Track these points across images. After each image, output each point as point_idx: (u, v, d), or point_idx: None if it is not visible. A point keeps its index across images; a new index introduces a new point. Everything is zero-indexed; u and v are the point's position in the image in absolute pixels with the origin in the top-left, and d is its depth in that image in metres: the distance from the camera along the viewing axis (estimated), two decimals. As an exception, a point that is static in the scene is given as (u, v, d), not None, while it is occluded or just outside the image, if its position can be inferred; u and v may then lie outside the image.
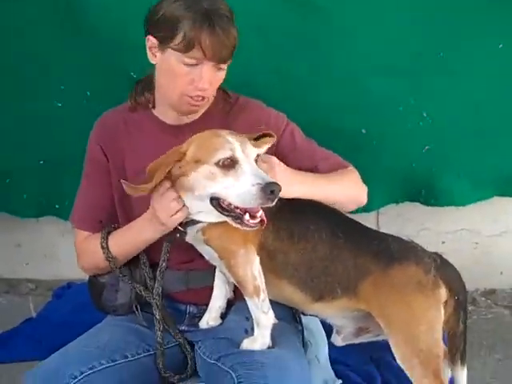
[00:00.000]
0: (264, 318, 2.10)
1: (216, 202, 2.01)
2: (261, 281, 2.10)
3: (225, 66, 2.22)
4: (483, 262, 3.58)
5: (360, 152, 2.94)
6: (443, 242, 3.58)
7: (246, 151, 2.01)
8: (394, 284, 2.09)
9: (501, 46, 3.01)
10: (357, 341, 2.30)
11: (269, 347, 2.09)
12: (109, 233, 2.31)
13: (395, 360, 2.09)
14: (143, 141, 2.36)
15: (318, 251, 2.13)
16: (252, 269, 2.09)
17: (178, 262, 2.31)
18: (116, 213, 2.38)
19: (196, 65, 2.16)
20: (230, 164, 1.97)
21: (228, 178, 1.97)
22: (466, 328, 2.16)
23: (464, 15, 2.96)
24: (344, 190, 2.33)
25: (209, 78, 2.19)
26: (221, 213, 2.01)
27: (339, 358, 2.59)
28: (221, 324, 2.31)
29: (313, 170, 2.33)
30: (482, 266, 3.57)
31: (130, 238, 2.28)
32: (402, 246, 2.16)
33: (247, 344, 2.11)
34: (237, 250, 2.09)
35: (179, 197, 2.07)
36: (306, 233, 2.12)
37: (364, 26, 2.97)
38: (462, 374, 2.16)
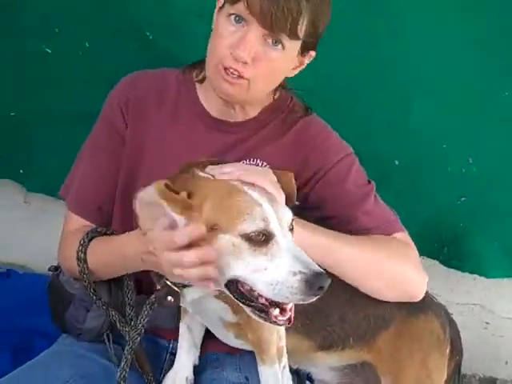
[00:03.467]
0: None
1: (234, 286, 1.51)
2: (285, 342, 1.76)
3: (283, 46, 1.77)
4: (490, 346, 3.22)
5: (385, 185, 2.37)
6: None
7: (279, 215, 1.51)
8: (415, 336, 1.95)
9: None
10: None
11: None
12: (91, 240, 1.83)
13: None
14: (175, 129, 1.95)
15: (340, 299, 1.86)
16: (277, 328, 1.74)
17: None
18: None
19: (242, 26, 1.74)
20: (263, 240, 1.47)
21: (260, 258, 1.46)
22: None
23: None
24: (377, 265, 1.85)
25: (251, 45, 1.73)
26: (239, 300, 1.52)
27: None
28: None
29: (348, 221, 1.89)
30: (488, 349, 3.22)
31: (110, 258, 1.80)
32: None
33: None
34: None
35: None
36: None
37: (426, 45, 2.53)
38: None
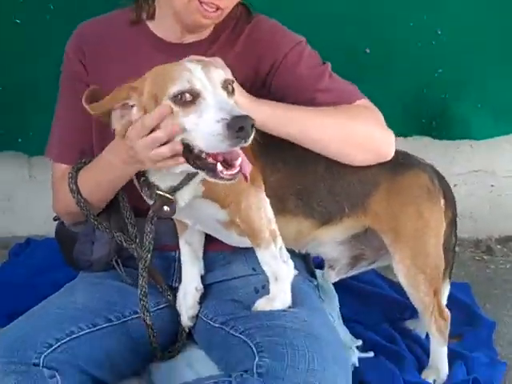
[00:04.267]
0: (284, 269, 1.82)
1: (189, 153, 1.60)
2: (275, 224, 1.81)
3: None
4: (500, 206, 3.28)
5: (362, 75, 2.50)
6: (455, 185, 3.19)
7: (210, 76, 1.60)
8: (405, 191, 2.03)
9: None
10: (351, 273, 2.20)
11: (289, 307, 1.82)
12: (78, 170, 1.92)
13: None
14: (134, 61, 1.97)
15: (318, 172, 1.94)
16: (266, 210, 1.81)
17: None
18: None
19: None
20: (190, 99, 1.57)
21: (190, 117, 1.57)
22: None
23: None
24: (340, 128, 1.92)
25: None
26: (194, 167, 1.62)
27: (350, 315, 2.42)
28: (222, 281, 2.03)
29: (308, 102, 1.93)
30: (497, 210, 3.27)
31: (99, 176, 1.89)
32: (403, 154, 2.06)
33: (264, 304, 1.84)
34: (247, 189, 1.77)
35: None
36: (304, 156, 1.87)
37: None
38: (447, 288, 2.26)
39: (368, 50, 2.70)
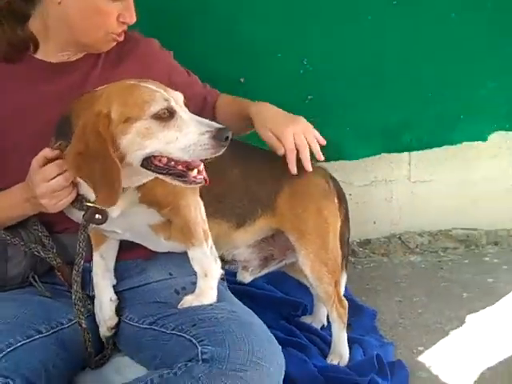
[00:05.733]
0: (214, 267, 1.94)
1: (148, 161, 1.77)
2: (207, 225, 1.95)
3: None
4: (357, 213, 3.45)
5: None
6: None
7: (173, 96, 1.81)
8: (305, 192, 2.21)
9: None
10: (263, 272, 2.36)
11: None
12: None
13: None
14: (18, 87, 2.06)
15: (235, 175, 2.11)
16: (201, 211, 1.94)
17: None
18: None
19: None
20: (168, 116, 1.75)
21: (169, 132, 1.74)
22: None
23: None
24: None
25: (133, 9, 2.02)
26: (157, 173, 1.78)
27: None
28: (141, 286, 2.09)
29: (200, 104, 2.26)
30: (356, 216, 3.43)
31: (3, 211, 1.98)
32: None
33: (191, 300, 1.93)
34: (184, 190, 1.91)
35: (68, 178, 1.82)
36: (222, 160, 1.92)
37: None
38: (344, 278, 2.48)
39: (242, 80, 2.90)
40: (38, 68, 2.08)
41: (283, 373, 1.85)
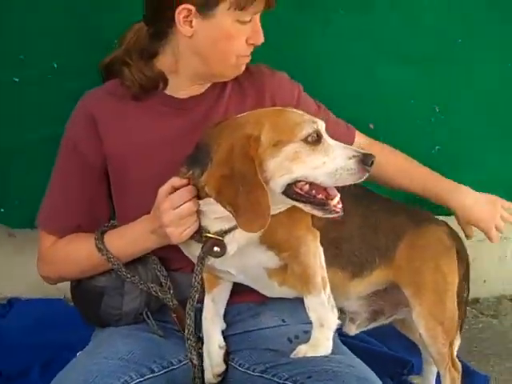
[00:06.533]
0: (331, 317, 1.87)
1: (291, 190, 1.75)
2: (326, 272, 1.89)
3: None
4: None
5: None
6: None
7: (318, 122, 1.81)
8: (426, 245, 2.14)
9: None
10: (370, 326, 2.28)
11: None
12: (103, 233, 2.00)
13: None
14: (148, 120, 2.07)
15: (355, 222, 2.05)
16: (321, 257, 1.88)
17: None
18: (97, 215, 2.09)
19: (249, 20, 1.95)
20: (316, 140, 1.76)
21: (317, 156, 1.74)
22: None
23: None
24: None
25: (261, 30, 2.00)
26: (297, 201, 1.78)
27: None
28: (253, 331, 2.05)
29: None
30: None
31: (127, 245, 1.98)
32: (420, 209, 2.24)
33: (306, 350, 1.87)
34: (305, 235, 1.88)
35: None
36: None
37: (379, 8, 2.72)
38: (459, 340, 2.31)
39: (372, 126, 2.79)
40: (166, 104, 2.08)
41: None
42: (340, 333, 2.24)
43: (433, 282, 2.15)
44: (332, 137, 1.88)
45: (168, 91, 2.09)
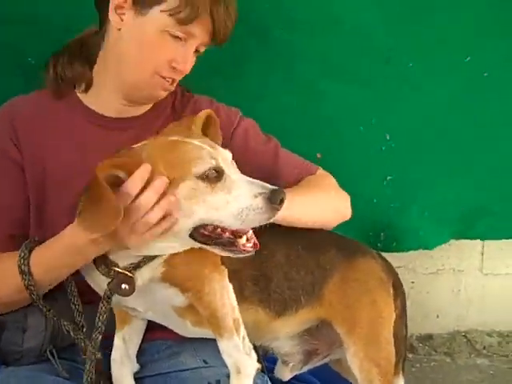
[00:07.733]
0: (248, 362, 1.72)
1: (197, 233, 1.63)
2: (239, 313, 1.75)
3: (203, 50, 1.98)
4: (419, 303, 3.34)
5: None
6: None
7: (221, 155, 1.67)
8: (359, 278, 2.00)
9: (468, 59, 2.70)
10: (304, 369, 2.13)
11: None
12: (31, 250, 1.76)
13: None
14: (69, 136, 1.97)
15: (275, 258, 1.90)
16: (230, 297, 1.75)
17: None
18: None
19: (182, 41, 1.88)
20: (216, 176, 1.60)
21: (218, 194, 1.59)
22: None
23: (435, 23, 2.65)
24: (326, 204, 2.04)
25: (191, 60, 1.93)
26: (204, 244, 1.64)
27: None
28: (169, 373, 1.91)
29: (274, 177, 2.02)
30: (417, 307, 3.32)
31: (59, 258, 1.74)
32: (353, 241, 2.09)
33: None
34: (211, 274, 1.73)
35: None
36: (263, 242, 1.75)
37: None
38: (401, 382, 2.15)
39: (319, 155, 2.65)
40: (89, 116, 2.02)
41: None
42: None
43: (368, 319, 1.99)
44: (282, 171, 1.76)
45: (95, 107, 2.02)
